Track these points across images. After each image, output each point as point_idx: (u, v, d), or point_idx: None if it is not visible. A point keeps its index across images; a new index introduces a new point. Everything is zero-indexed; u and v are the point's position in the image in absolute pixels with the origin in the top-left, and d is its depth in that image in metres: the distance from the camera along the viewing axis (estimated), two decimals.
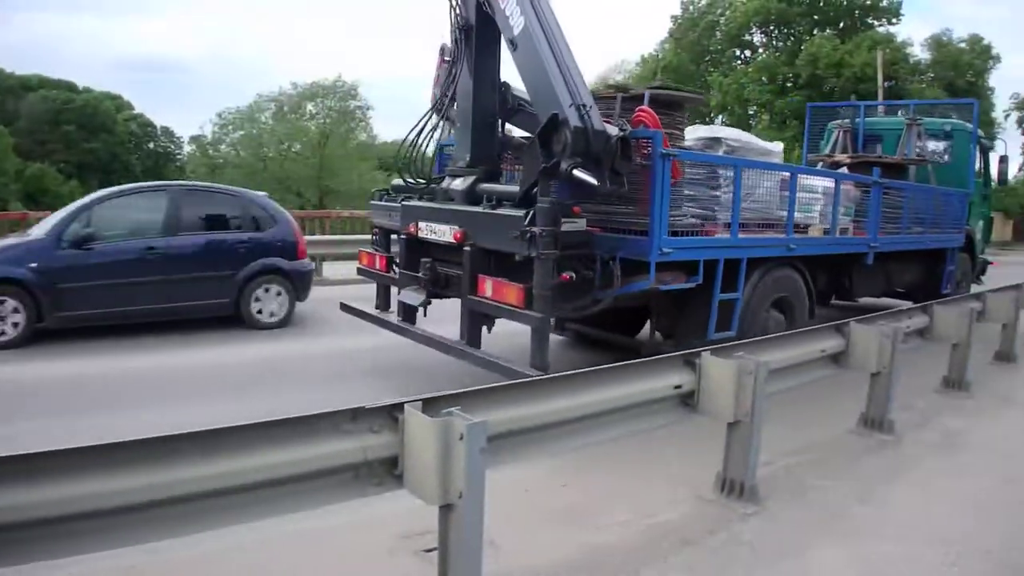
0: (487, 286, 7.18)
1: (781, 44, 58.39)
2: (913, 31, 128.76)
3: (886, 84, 50.06)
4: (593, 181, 6.61)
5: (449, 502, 4.18)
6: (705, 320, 7.84)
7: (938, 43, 55.34)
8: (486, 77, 7.96)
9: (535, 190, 6.84)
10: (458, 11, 7.83)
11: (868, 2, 58.54)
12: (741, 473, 6.04)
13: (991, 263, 15.87)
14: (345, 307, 9.52)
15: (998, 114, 59.32)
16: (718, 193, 7.79)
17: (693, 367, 5.92)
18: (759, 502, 6.09)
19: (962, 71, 52.43)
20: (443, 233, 7.77)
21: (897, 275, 11.56)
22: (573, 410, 5.10)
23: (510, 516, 5.68)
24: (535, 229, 6.60)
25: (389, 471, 4.29)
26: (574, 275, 6.87)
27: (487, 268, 7.30)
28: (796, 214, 8.57)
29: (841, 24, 57.81)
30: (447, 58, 8.31)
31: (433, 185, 8.42)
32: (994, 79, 62.76)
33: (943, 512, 6.16)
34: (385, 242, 9.26)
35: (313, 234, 19.07)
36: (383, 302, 9.23)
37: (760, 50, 52.18)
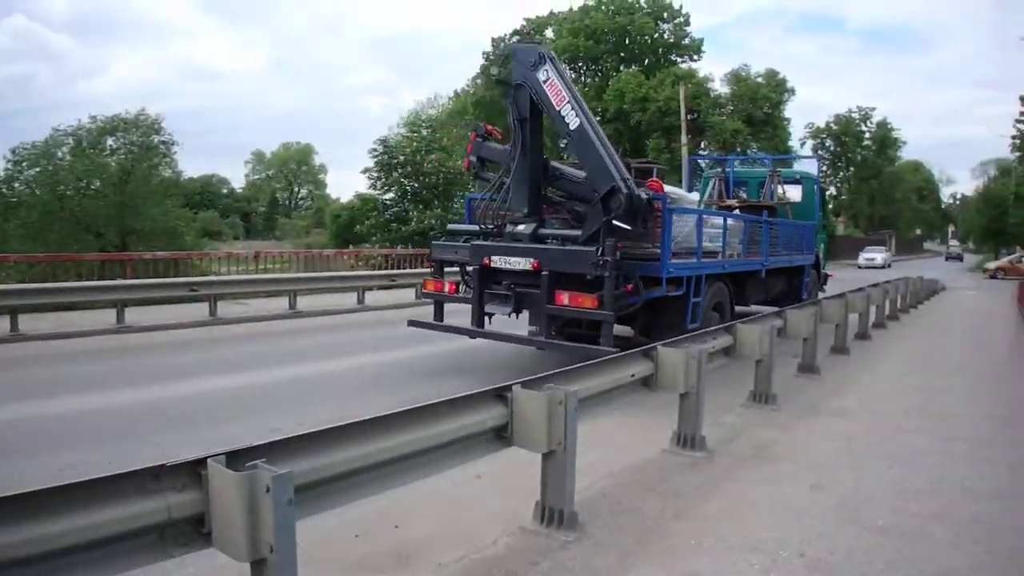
0: (564, 298, 11.14)
1: (589, 80, 60.79)
2: (714, 67, 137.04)
3: (689, 116, 52.85)
4: (629, 228, 10.98)
5: (259, 557, 4.19)
6: (683, 318, 11.85)
7: (736, 77, 58.81)
8: (535, 153, 12.30)
9: (600, 234, 11.05)
10: (515, 111, 12.17)
11: (671, 40, 61.88)
12: (560, 501, 6.25)
13: (830, 275, 21.68)
14: (413, 322, 13.14)
15: (794, 142, 63.94)
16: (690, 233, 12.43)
17: (505, 401, 6.15)
18: (579, 528, 6.31)
19: (759, 103, 56.02)
20: (518, 264, 11.81)
21: (773, 286, 16.02)
22: (386, 452, 5.18)
23: (336, 563, 5.74)
24: (606, 258, 10.72)
25: (196, 530, 4.29)
26: (633, 285, 11.15)
27: (558, 286, 11.27)
28: (708, 244, 12.68)
29: (646, 61, 60.78)
30: (479, 134, 13.47)
31: (495, 229, 12.54)
32: (789, 110, 67.58)
33: (757, 521, 6.54)
34: (440, 272, 13.13)
35: (113, 279, 18.24)
36: (439, 316, 13.14)
37: None
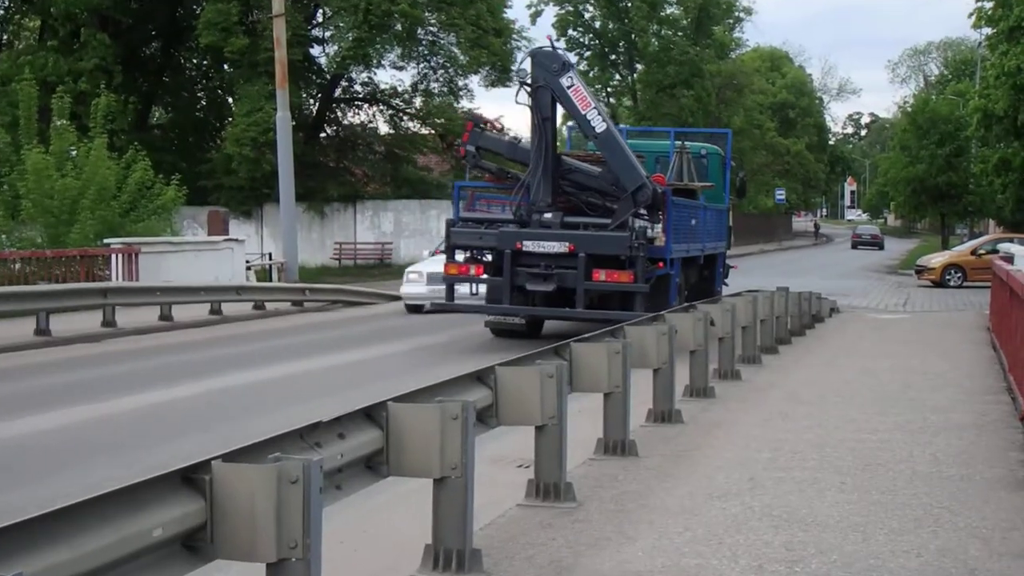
0: (601, 275, 16.29)
1: None
2: None
3: None
4: (648, 217, 16.95)
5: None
6: (667, 296, 16.74)
7: None
8: (553, 150, 17.25)
9: (629, 223, 16.54)
10: (538, 111, 16.90)
11: None
12: (457, 541, 6.00)
13: (733, 267, 23.39)
14: (436, 305, 18.57)
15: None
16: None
17: (381, 427, 5.88)
18: (483, 571, 6.07)
19: None
20: (552, 247, 16.63)
21: (690, 276, 19.66)
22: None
23: None
24: (640, 241, 15.98)
25: None
26: (660, 264, 16.68)
27: (595, 265, 16.32)
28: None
29: None
30: (476, 124, 18.49)
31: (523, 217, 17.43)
32: None
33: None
34: (453, 257, 17.90)
35: None
36: (450, 297, 18.20)
37: None
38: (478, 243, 17.89)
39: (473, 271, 17.94)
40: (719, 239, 21.71)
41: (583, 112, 17.18)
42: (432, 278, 22.30)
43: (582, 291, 16.77)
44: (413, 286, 24.36)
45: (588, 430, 9.71)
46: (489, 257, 17.81)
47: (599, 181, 17.80)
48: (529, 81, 17.45)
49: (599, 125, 17.15)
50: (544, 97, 17.16)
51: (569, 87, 17.13)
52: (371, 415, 5.97)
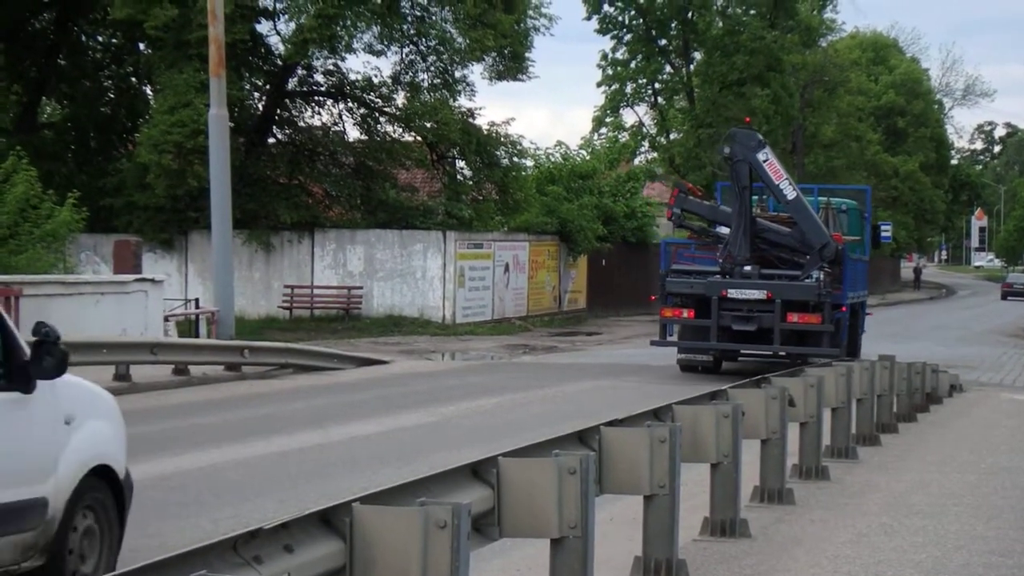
0: (794, 317, 27.76)
1: None
2: None
3: None
4: (830, 270, 28.32)
5: None
6: (842, 333, 29.56)
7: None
8: (750, 213, 28.18)
9: (814, 274, 27.82)
10: (738, 180, 28.14)
11: None
12: None
13: (869, 313, 34.65)
14: (655, 342, 30.47)
15: None
16: None
17: (343, 537, 5.95)
18: None
19: None
20: (752, 294, 28.00)
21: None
22: None
23: None
24: (828, 290, 27.43)
25: None
26: (844, 308, 29.15)
27: (789, 309, 27.60)
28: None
29: None
30: (681, 190, 31.41)
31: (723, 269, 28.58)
32: None
33: None
34: (667, 302, 29.20)
35: None
36: (661, 338, 30.15)
37: None
38: (689, 291, 28.87)
39: (686, 314, 28.86)
40: (864, 288, 33.96)
41: (776, 183, 28.41)
42: None
43: (778, 331, 27.79)
44: None
45: (622, 544, 9.70)
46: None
47: (788, 239, 29.17)
48: (728, 153, 28.95)
49: (790, 193, 28.56)
50: (743, 169, 28.21)
51: (764, 161, 28.29)
52: (329, 521, 6.02)
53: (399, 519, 5.98)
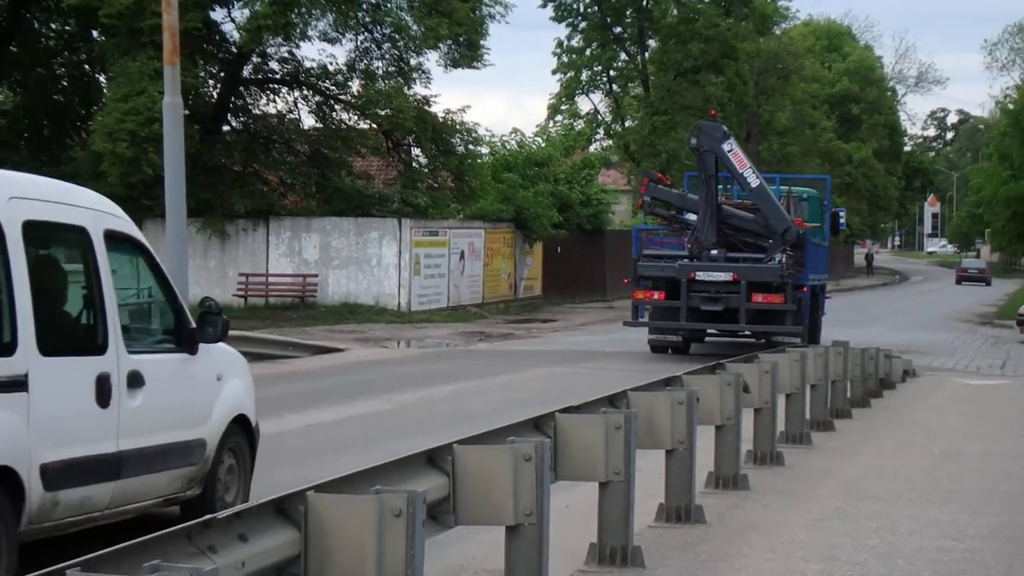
0: (759, 298, 30.04)
1: None
2: None
3: None
4: (792, 252, 30.63)
5: None
6: (804, 312, 31.54)
7: None
8: (716, 200, 30.85)
9: (777, 257, 30.03)
10: (704, 170, 30.66)
11: None
12: None
13: (828, 297, 37.30)
14: (628, 323, 32.88)
15: None
16: None
17: (298, 526, 5.93)
18: None
19: None
20: (720, 276, 30.13)
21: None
22: None
23: None
24: (789, 271, 29.83)
25: None
26: (804, 288, 31.18)
27: (753, 291, 29.87)
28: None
29: None
30: (651, 180, 33.66)
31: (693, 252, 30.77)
32: None
33: None
34: (638, 284, 31.32)
35: None
36: (634, 319, 32.18)
37: None
38: (660, 274, 30.98)
39: (657, 296, 30.94)
40: (824, 272, 36.41)
41: (740, 171, 30.72)
42: None
43: (744, 310, 30.11)
44: None
45: (577, 531, 9.71)
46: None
47: (752, 224, 31.39)
48: (695, 144, 31.26)
49: (753, 181, 30.85)
50: (709, 159, 30.55)
51: (729, 151, 30.61)
52: (284, 510, 6.01)
53: (354, 507, 5.98)
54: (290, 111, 50.91)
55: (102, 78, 49.47)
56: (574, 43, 77.18)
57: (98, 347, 9.79)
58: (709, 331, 33.30)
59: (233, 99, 49.99)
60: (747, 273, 29.92)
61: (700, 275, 30.02)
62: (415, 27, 47.67)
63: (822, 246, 35.99)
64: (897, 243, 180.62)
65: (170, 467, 10.53)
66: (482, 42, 50.54)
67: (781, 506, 12.51)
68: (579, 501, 10.37)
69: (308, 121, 51.13)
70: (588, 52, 76.48)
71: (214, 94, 49.51)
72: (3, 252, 8.74)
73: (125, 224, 10.74)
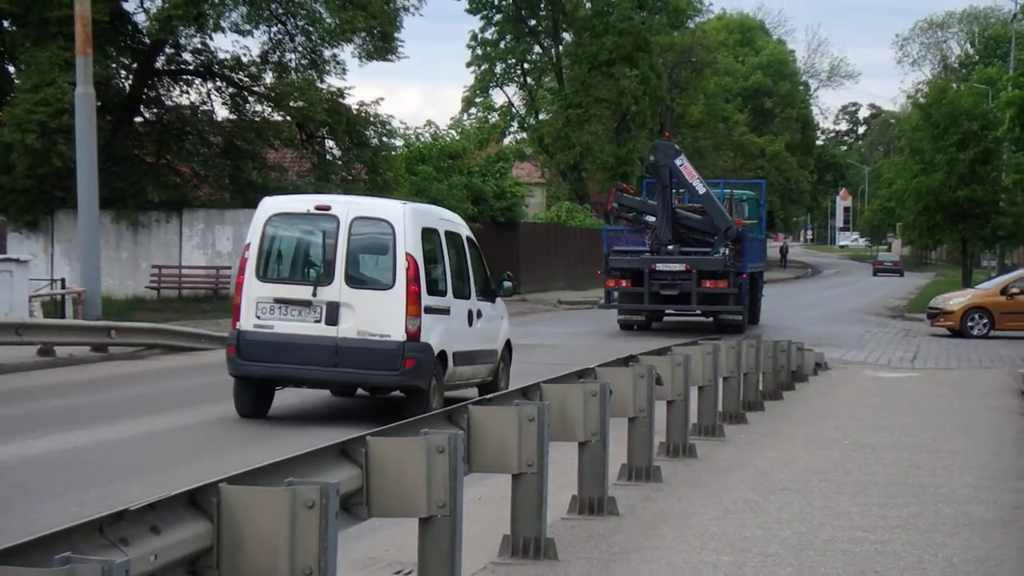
0: (707, 283, 38.14)
1: None
2: None
3: None
4: (733, 247, 38.77)
5: None
6: (744, 295, 40.25)
7: None
8: (671, 205, 39.07)
9: (721, 250, 38.21)
10: (660, 180, 38.76)
11: None
12: None
13: (765, 281, 46.33)
14: (603, 306, 43.38)
15: None
16: None
17: (211, 518, 5.90)
18: None
19: None
20: (675, 267, 38.36)
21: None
22: None
23: None
24: (732, 262, 38.07)
25: None
26: (744, 275, 39.53)
27: (703, 278, 38.10)
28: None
29: None
30: (618, 189, 44.83)
31: (657, 247, 38.98)
32: None
33: None
34: (610, 274, 39.72)
35: None
36: (606, 302, 42.06)
37: None
38: (627, 265, 38.60)
39: (624, 283, 38.67)
40: (760, 261, 44.43)
41: (690, 181, 38.31)
42: None
43: (695, 294, 37.37)
44: None
45: (491, 523, 9.74)
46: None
47: (701, 224, 38.65)
48: (653, 160, 38.94)
49: (701, 189, 38.58)
50: (664, 172, 37.87)
51: (680, 165, 38.05)
52: (196, 502, 5.98)
53: (267, 499, 5.96)
54: (203, 102, 50.49)
55: (11, 69, 48.72)
56: (488, 36, 77.21)
57: (467, 296, 19.07)
58: (667, 311, 41.55)
59: (146, 90, 49.48)
60: (697, 264, 37.59)
61: (659, 266, 37.83)
62: (329, 19, 47.43)
63: (758, 239, 44.35)
64: (809, 236, 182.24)
65: (487, 362, 19.71)
66: (396, 34, 50.40)
67: (693, 498, 12.57)
68: (492, 493, 10.40)
69: (222, 113, 50.70)
70: (502, 45, 76.57)
71: (126, 85, 48.91)
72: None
73: (467, 230, 20.61)
